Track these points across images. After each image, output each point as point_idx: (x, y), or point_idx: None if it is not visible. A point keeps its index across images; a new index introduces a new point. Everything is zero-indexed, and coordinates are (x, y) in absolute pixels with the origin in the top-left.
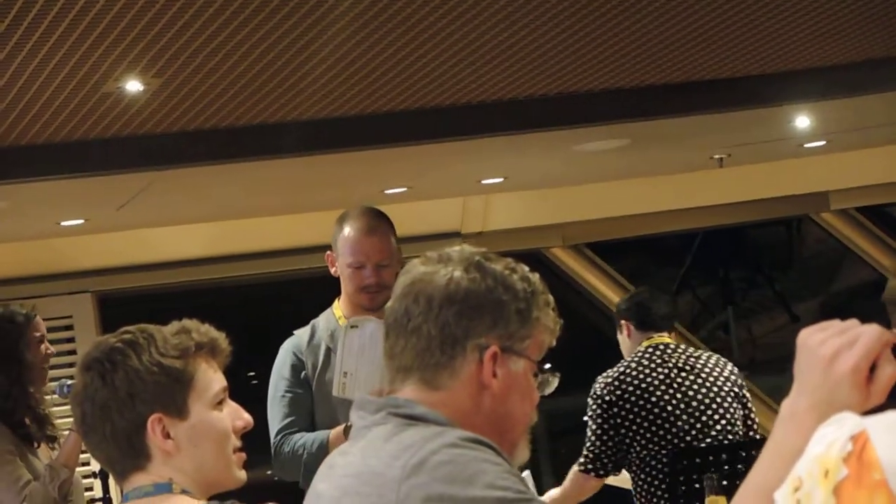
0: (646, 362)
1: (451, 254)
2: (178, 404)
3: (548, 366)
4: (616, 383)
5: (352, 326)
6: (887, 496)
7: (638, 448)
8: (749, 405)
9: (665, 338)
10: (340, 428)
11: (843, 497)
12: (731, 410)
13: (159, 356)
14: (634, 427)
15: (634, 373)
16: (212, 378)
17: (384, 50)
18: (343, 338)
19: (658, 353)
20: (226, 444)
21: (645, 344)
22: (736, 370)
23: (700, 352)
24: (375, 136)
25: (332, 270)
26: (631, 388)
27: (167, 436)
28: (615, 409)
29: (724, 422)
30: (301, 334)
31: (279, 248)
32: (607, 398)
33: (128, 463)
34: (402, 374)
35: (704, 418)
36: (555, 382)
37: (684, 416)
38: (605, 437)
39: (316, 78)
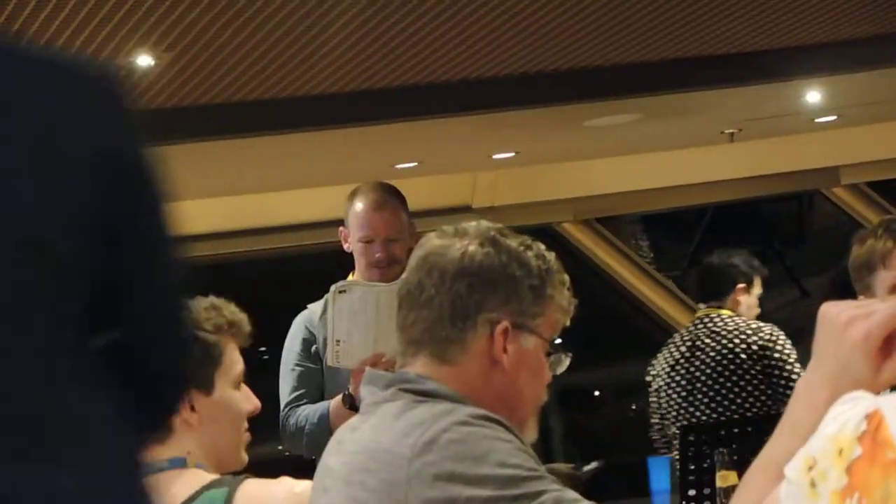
0: None
1: (468, 228)
2: (206, 379)
3: (558, 341)
4: None
5: (340, 291)
6: None
7: None
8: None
9: None
10: (339, 397)
11: (857, 475)
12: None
13: (194, 328)
14: None
15: None
16: (237, 358)
17: (395, 24)
18: (332, 304)
19: None
20: (241, 424)
21: None
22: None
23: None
24: (387, 110)
25: (346, 246)
26: None
27: (192, 408)
28: None
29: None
30: (314, 308)
31: (290, 222)
32: None
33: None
34: (413, 348)
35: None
36: (566, 362)
37: None
38: None
39: (327, 52)
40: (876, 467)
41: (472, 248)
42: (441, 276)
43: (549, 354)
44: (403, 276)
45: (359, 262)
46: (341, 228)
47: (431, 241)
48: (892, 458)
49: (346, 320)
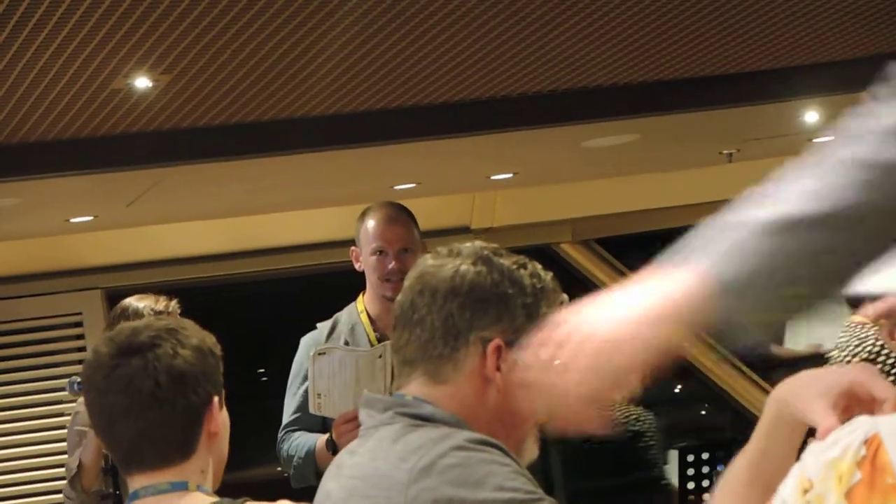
0: None
1: (462, 248)
2: (221, 392)
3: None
4: None
5: (319, 354)
6: None
7: None
8: None
9: None
10: (324, 440)
11: (856, 501)
12: None
13: (211, 344)
14: None
15: None
16: None
17: (393, 46)
18: (312, 364)
19: None
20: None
21: None
22: None
23: None
24: (385, 131)
25: (357, 266)
26: None
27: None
28: None
29: None
30: (322, 327)
31: (290, 244)
32: None
33: (173, 451)
34: (407, 368)
35: None
36: None
37: None
38: None
39: (325, 74)
40: (875, 493)
41: (464, 267)
42: (433, 294)
43: None
44: (398, 297)
45: (370, 279)
46: (353, 248)
47: (425, 261)
48: (890, 483)
49: (326, 379)
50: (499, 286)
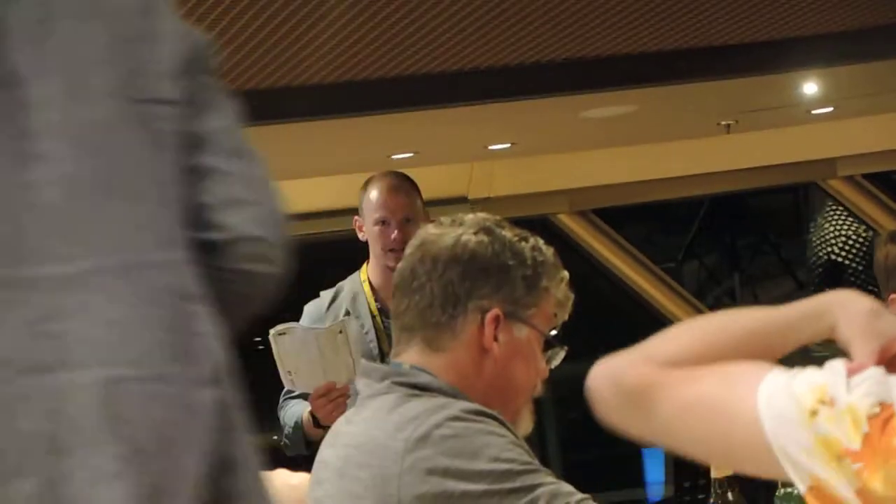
0: None
1: (465, 218)
2: None
3: (553, 332)
4: None
5: (279, 334)
6: None
7: None
8: None
9: None
10: (308, 412)
11: (867, 447)
12: None
13: None
14: None
15: None
16: None
17: (391, 14)
18: (275, 345)
19: None
20: None
21: None
22: None
23: None
24: (383, 100)
25: (361, 235)
26: None
27: None
28: None
29: None
30: (325, 296)
31: (286, 213)
32: None
33: None
34: (406, 335)
35: None
36: (561, 355)
37: None
38: None
39: (323, 42)
40: (879, 452)
41: (465, 236)
42: (433, 262)
43: (545, 348)
44: (399, 264)
45: (374, 249)
46: (356, 218)
47: (427, 230)
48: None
49: (293, 357)
50: (500, 256)
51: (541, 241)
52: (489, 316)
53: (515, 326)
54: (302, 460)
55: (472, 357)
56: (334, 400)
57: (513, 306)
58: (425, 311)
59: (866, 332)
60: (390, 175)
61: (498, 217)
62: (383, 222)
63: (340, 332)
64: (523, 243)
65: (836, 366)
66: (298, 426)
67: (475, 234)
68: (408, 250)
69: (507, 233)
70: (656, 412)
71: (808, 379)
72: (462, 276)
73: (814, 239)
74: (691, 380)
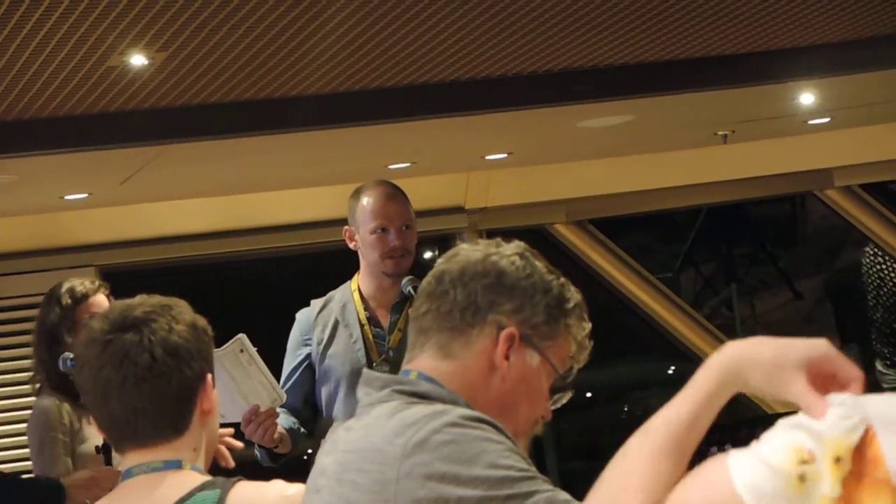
0: None
1: (502, 242)
2: (213, 371)
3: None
4: None
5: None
6: (891, 494)
7: None
8: None
9: None
10: (256, 448)
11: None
12: None
13: (203, 323)
14: None
15: None
16: None
17: (388, 25)
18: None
19: None
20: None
21: None
22: None
23: None
24: (380, 110)
25: (352, 245)
26: None
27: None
28: None
29: None
30: (315, 304)
31: (284, 223)
32: None
33: (167, 426)
34: (422, 338)
35: None
36: (566, 398)
37: None
38: None
39: (320, 53)
40: (864, 485)
41: (498, 255)
42: (462, 271)
43: (555, 389)
44: (429, 273)
45: (369, 257)
46: (346, 228)
47: (463, 244)
48: (882, 477)
49: (239, 378)
50: (527, 279)
51: (571, 284)
52: (504, 333)
53: (528, 352)
54: (298, 470)
55: (481, 370)
56: (262, 423)
57: (530, 330)
58: (445, 315)
59: (785, 375)
60: (383, 183)
61: (534, 251)
62: (383, 229)
63: (241, 350)
64: (553, 278)
65: (798, 419)
66: (262, 457)
67: (509, 255)
68: (439, 261)
69: (540, 264)
70: None
71: (776, 444)
72: (486, 289)
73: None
74: None
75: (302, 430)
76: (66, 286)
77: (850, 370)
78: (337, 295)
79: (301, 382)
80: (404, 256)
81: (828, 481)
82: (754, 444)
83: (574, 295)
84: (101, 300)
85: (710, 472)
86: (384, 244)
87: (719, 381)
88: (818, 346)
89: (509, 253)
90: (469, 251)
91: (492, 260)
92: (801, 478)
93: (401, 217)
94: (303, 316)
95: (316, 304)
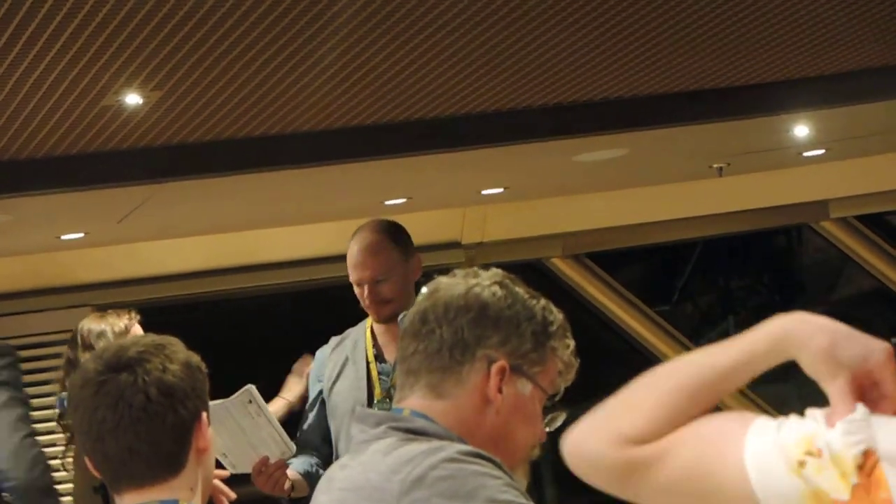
0: None
1: (480, 271)
2: (208, 409)
3: (555, 396)
4: None
5: None
6: None
7: None
8: None
9: None
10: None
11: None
12: None
13: (197, 361)
14: None
15: None
16: None
17: (383, 61)
18: (226, 423)
19: None
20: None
21: None
22: None
23: None
24: (375, 147)
25: None
26: None
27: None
28: None
29: None
30: (332, 341)
31: (280, 260)
32: None
33: (163, 466)
34: (411, 379)
35: None
36: (561, 418)
37: None
38: None
39: (315, 90)
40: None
41: (479, 287)
42: (445, 308)
43: (547, 410)
44: (411, 309)
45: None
46: None
47: (441, 279)
48: (885, 497)
49: (220, 436)
50: (511, 308)
51: (551, 304)
52: (496, 367)
53: (520, 382)
54: None
55: (475, 406)
56: (272, 475)
57: (519, 360)
58: (433, 355)
59: (831, 369)
60: (367, 230)
61: (512, 276)
62: (358, 283)
63: (250, 402)
64: (535, 302)
65: (819, 414)
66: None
67: (489, 285)
68: (420, 297)
69: (520, 289)
70: (642, 492)
71: (794, 429)
72: (472, 324)
73: None
74: (672, 456)
75: (320, 471)
76: (103, 325)
77: (889, 388)
78: (353, 332)
79: (318, 420)
80: (383, 305)
81: (830, 482)
82: (782, 420)
83: (556, 316)
84: (137, 331)
85: (729, 429)
86: (362, 297)
87: (767, 348)
88: (876, 353)
89: (489, 283)
90: (449, 285)
91: (474, 293)
92: (801, 464)
93: (371, 271)
94: (320, 353)
95: (333, 340)
